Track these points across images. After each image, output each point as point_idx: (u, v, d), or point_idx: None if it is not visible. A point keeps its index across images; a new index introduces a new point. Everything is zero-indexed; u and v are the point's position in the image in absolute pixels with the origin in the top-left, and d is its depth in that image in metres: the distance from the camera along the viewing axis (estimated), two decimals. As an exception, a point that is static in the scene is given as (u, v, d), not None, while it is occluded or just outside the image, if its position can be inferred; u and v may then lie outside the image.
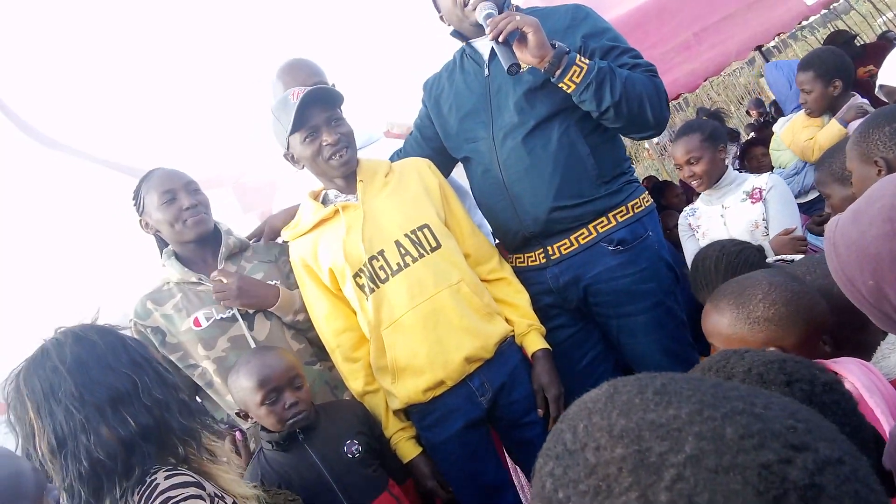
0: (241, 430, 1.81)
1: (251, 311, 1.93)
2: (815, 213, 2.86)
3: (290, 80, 2.16)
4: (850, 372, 1.05)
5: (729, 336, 1.26)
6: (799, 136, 2.98)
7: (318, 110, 1.78)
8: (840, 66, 2.89)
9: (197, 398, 1.98)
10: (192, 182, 2.00)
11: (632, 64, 1.86)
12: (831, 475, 0.40)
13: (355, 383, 1.88)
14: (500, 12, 1.76)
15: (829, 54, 2.95)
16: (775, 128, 3.29)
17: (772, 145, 3.35)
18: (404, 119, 3.05)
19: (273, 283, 1.96)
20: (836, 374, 0.87)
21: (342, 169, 1.83)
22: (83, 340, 1.26)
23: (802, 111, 3.02)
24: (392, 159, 2.16)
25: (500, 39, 1.69)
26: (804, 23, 4.26)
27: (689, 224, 2.67)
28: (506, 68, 1.70)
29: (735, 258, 1.85)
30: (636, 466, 0.43)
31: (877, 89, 2.41)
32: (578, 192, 1.88)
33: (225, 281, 1.86)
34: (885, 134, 1.49)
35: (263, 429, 1.74)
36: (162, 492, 1.15)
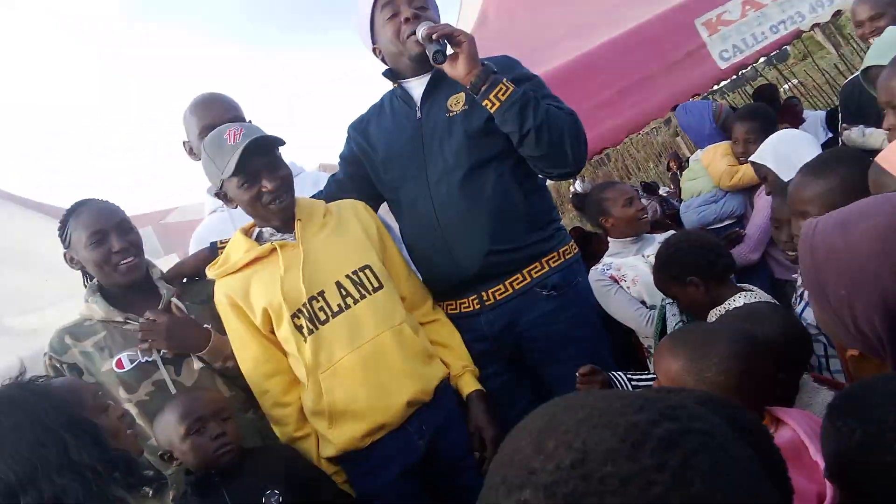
0: None
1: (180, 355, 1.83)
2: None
3: (204, 114, 2.11)
4: (795, 420, 1.10)
5: (674, 380, 1.28)
6: (720, 161, 3.18)
7: (257, 156, 1.72)
8: (774, 124, 3.13)
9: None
10: (126, 220, 1.87)
11: (555, 104, 1.88)
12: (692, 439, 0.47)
13: (285, 429, 1.81)
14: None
15: (769, 112, 3.19)
16: (692, 158, 3.46)
17: (685, 175, 3.49)
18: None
19: (205, 326, 1.87)
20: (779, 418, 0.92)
21: (281, 214, 1.79)
22: None
23: (725, 143, 3.24)
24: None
25: (434, 37, 1.74)
26: (715, 87, 4.59)
27: (612, 276, 2.61)
28: (430, 55, 1.74)
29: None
30: None
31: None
32: (513, 237, 1.90)
33: (155, 320, 1.78)
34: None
35: (186, 472, 1.64)
36: None
